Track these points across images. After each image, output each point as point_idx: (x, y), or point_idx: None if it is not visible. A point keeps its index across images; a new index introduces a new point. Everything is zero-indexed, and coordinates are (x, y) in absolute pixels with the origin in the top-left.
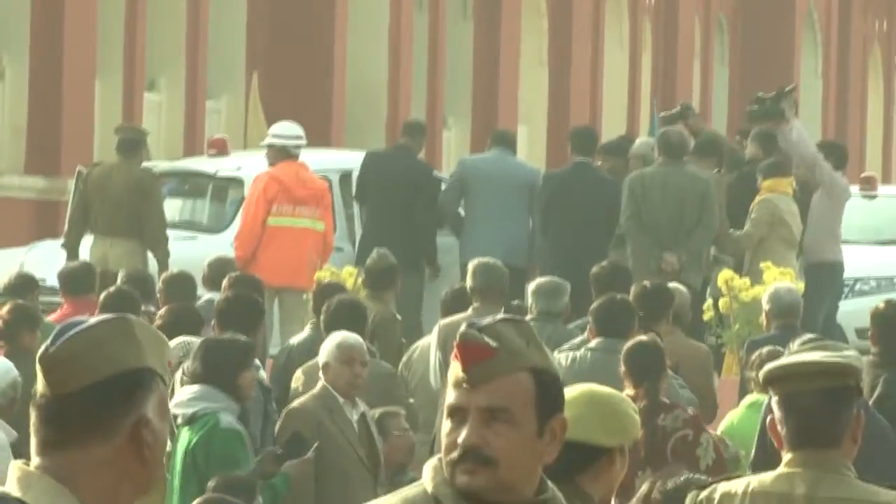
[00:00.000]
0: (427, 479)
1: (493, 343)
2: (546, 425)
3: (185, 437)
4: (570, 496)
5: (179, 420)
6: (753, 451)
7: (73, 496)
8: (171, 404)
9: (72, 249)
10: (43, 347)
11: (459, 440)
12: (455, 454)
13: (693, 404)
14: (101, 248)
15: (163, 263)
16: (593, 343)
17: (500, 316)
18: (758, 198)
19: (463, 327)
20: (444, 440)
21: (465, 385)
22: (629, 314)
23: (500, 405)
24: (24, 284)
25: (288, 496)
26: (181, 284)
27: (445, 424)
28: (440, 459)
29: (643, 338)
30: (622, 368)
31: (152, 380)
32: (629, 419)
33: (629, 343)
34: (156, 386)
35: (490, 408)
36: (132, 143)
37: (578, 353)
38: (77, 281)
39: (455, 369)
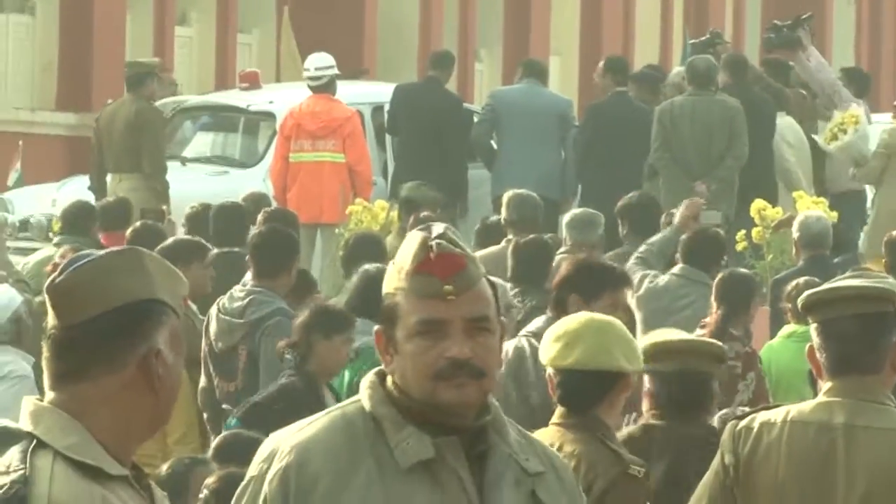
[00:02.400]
0: (364, 396)
1: (461, 252)
2: (501, 330)
3: (346, 374)
4: (591, 428)
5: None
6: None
7: (83, 429)
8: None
9: (97, 190)
10: (50, 279)
11: (448, 354)
12: (441, 368)
13: None
14: (112, 186)
15: (161, 196)
16: (676, 269)
17: (440, 223)
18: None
19: (420, 238)
20: (417, 357)
21: (449, 297)
22: (716, 248)
23: (482, 314)
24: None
25: None
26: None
27: (416, 341)
28: (379, 374)
29: (739, 270)
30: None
31: (163, 311)
32: (637, 346)
33: (725, 272)
34: (167, 318)
35: (474, 318)
36: (136, 77)
37: (661, 277)
38: (112, 216)
39: (428, 282)
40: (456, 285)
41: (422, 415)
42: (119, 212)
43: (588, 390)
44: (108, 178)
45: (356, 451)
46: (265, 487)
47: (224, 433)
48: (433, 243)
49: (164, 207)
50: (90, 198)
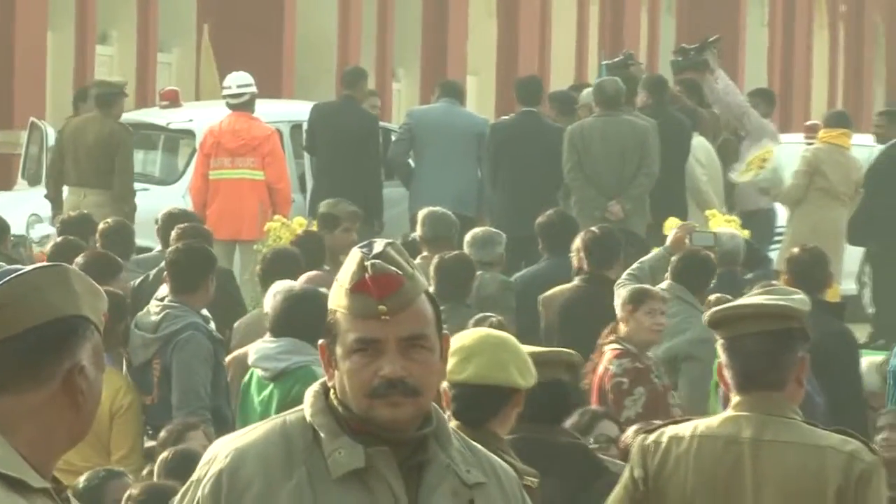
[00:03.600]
0: (306, 405)
1: (398, 270)
2: (442, 345)
3: (275, 392)
4: (485, 442)
5: (263, 373)
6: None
7: (6, 443)
8: (252, 359)
9: (54, 200)
10: None
11: (381, 372)
12: (375, 386)
13: None
14: (74, 199)
15: (129, 217)
16: (664, 285)
17: (381, 240)
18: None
19: (359, 256)
20: (354, 374)
21: (383, 316)
22: (706, 270)
23: (419, 332)
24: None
25: None
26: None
27: (353, 358)
28: (323, 385)
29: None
30: None
31: (87, 327)
32: (530, 362)
33: None
34: (90, 334)
35: (410, 336)
36: (108, 97)
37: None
38: (74, 231)
39: (362, 301)
40: (390, 305)
41: (359, 426)
42: (82, 227)
43: (482, 405)
44: (66, 190)
45: (290, 458)
46: (199, 491)
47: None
48: (368, 263)
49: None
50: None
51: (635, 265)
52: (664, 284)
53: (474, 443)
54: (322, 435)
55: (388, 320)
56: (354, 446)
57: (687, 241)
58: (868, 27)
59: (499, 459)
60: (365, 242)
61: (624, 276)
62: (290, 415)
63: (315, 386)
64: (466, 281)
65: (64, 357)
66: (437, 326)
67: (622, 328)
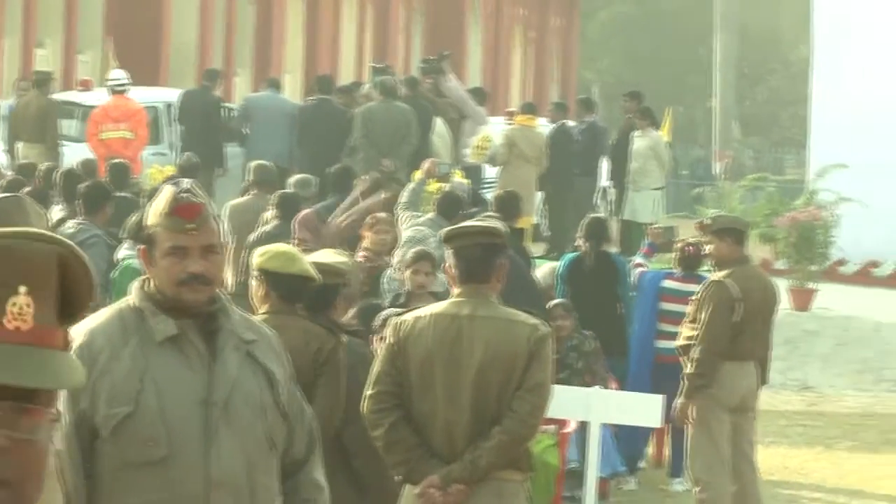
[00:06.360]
0: (133, 294)
1: (199, 200)
2: (224, 250)
3: (116, 283)
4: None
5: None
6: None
7: None
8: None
9: (10, 151)
10: None
11: (190, 269)
12: (184, 278)
13: None
14: (25, 151)
15: (56, 160)
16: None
17: (185, 180)
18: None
19: (173, 191)
20: (169, 271)
21: (192, 231)
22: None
23: (213, 242)
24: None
25: None
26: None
27: (168, 259)
28: (143, 280)
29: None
30: None
31: None
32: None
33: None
34: None
35: (208, 245)
36: (41, 81)
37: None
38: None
39: (177, 221)
40: (196, 223)
41: (172, 306)
42: (29, 169)
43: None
44: (20, 145)
45: (126, 332)
46: None
47: None
48: (181, 196)
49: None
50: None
51: (407, 193)
52: (430, 215)
53: (248, 315)
54: (146, 314)
55: (193, 234)
56: (168, 320)
57: (435, 170)
58: (547, 48)
59: (265, 327)
60: (173, 181)
61: (402, 199)
62: (121, 303)
63: (137, 281)
64: (297, 206)
65: None
66: (220, 237)
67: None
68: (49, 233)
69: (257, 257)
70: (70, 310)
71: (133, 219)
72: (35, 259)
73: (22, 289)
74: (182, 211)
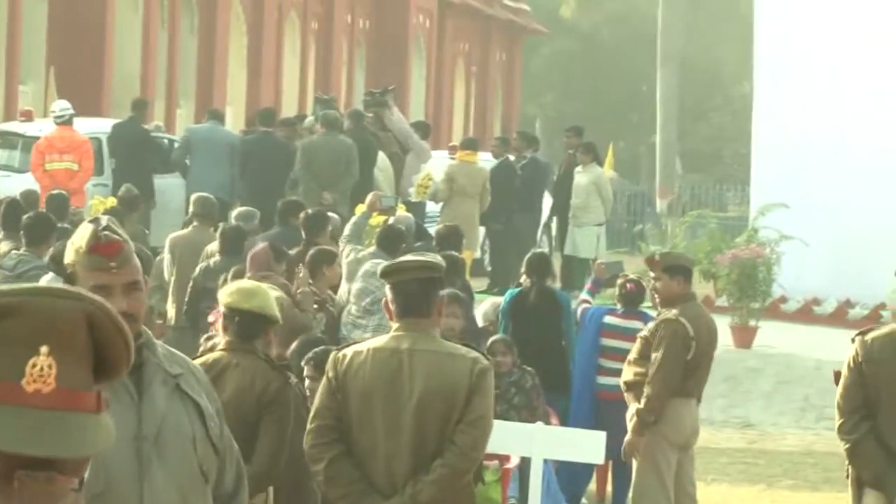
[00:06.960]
0: None
1: (120, 238)
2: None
3: None
4: (253, 358)
5: None
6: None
7: None
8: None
9: None
10: None
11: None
12: None
13: None
14: None
15: None
16: (372, 250)
17: (104, 217)
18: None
19: (92, 229)
20: None
21: (113, 270)
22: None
23: (135, 279)
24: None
25: None
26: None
27: None
28: None
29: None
30: None
31: None
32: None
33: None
34: None
35: (132, 282)
36: None
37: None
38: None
39: (98, 260)
40: (117, 262)
41: None
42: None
43: (253, 326)
44: None
45: None
46: None
47: None
48: (101, 234)
49: None
50: None
51: (350, 226)
52: (371, 249)
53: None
54: None
55: (115, 272)
56: None
57: (378, 203)
58: (490, 83)
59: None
60: (92, 218)
61: (346, 233)
62: None
63: None
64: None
65: None
66: (142, 274)
67: (325, 277)
68: (77, 289)
69: (220, 291)
70: (105, 370)
71: (51, 252)
72: (59, 317)
73: (43, 349)
74: (103, 249)
